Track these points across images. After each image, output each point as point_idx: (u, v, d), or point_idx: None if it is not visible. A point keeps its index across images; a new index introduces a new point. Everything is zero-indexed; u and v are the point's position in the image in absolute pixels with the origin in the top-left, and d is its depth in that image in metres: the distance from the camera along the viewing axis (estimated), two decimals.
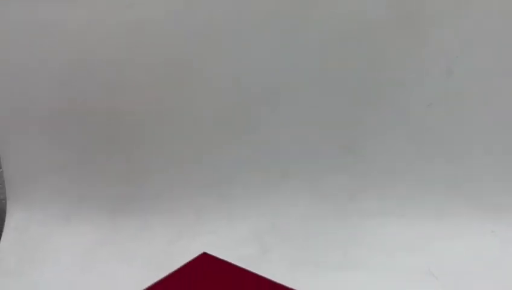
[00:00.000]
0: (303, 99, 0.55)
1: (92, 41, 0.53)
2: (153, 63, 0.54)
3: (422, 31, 0.52)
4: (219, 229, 0.53)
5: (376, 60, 0.53)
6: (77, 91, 0.55)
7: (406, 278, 0.47)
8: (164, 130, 0.57)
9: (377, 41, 0.53)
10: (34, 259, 0.52)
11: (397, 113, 0.55)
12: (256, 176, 0.58)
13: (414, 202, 0.56)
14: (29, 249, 0.54)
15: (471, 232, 0.53)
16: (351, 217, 0.55)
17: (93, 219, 0.57)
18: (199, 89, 0.55)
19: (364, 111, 0.55)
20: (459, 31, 0.51)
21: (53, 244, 0.54)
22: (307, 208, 0.56)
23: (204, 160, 0.58)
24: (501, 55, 0.52)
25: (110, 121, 0.55)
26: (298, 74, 0.54)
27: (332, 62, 0.53)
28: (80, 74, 0.54)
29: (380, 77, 0.54)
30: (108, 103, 0.54)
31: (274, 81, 0.55)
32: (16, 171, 0.57)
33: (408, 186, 0.56)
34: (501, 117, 0.54)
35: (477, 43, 0.52)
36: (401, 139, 0.56)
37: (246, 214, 0.56)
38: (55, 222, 0.57)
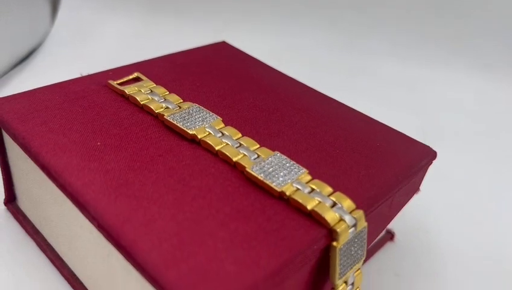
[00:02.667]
0: None
1: None
2: None
3: None
4: (242, 39, 0.61)
5: None
6: None
7: (393, 108, 0.55)
8: None
9: None
10: (83, 36, 0.62)
11: None
12: (283, 4, 0.64)
13: (418, 50, 0.62)
14: (79, 28, 0.63)
15: (459, 84, 0.60)
16: (358, 52, 0.62)
17: (135, 13, 0.65)
18: None
19: None
20: None
21: (100, 28, 0.63)
22: (321, 38, 0.63)
23: None
24: None
25: None
26: None
27: None
28: None
29: None
30: None
31: None
32: None
33: (417, 35, 0.62)
34: None
35: None
36: None
37: (267, 33, 0.63)
38: (103, 11, 0.65)
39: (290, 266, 0.22)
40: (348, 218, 0.24)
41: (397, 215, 0.34)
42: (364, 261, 0.34)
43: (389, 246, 0.37)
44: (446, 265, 0.36)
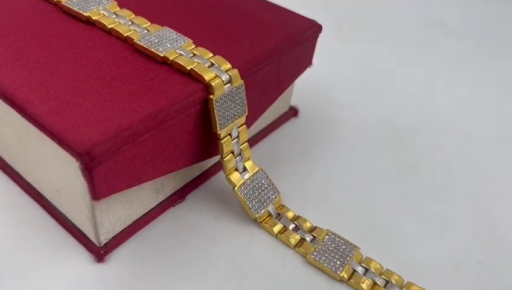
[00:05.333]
0: None
1: None
2: None
3: None
4: None
5: None
6: None
7: (313, 7, 0.58)
8: None
9: None
10: None
11: None
12: None
13: None
14: None
15: None
16: None
17: None
18: None
19: None
20: None
21: None
22: None
23: None
24: None
25: None
26: None
27: None
28: None
29: None
30: None
31: None
32: None
33: None
34: None
35: None
36: None
37: None
38: None
39: (165, 112, 0.25)
40: (223, 75, 0.28)
41: (291, 86, 0.38)
42: (268, 134, 0.39)
43: (292, 121, 0.41)
44: (344, 132, 0.40)
